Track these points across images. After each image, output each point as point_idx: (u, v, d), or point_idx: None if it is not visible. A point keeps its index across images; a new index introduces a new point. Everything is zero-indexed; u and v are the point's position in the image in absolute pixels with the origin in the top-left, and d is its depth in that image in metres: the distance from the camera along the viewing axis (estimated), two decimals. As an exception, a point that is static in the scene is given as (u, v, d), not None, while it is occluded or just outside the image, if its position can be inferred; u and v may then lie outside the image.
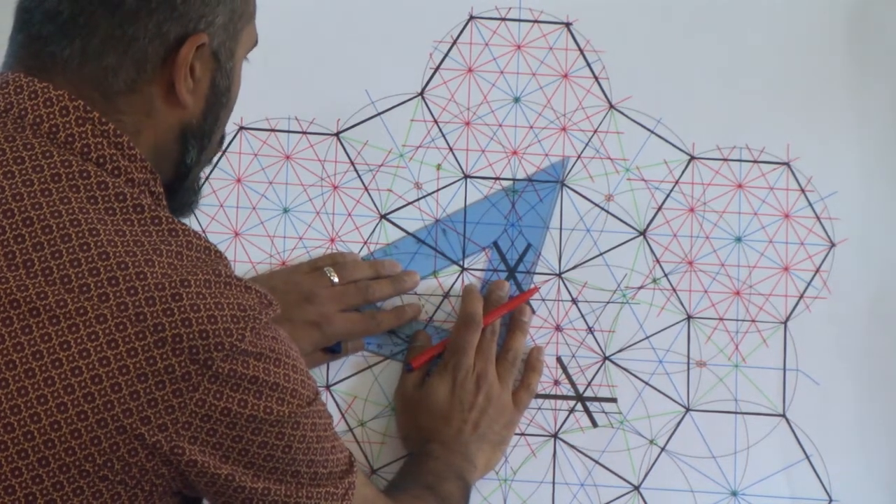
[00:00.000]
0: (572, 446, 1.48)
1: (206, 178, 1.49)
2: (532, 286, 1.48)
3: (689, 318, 1.50)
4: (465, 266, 1.50)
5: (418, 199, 1.51)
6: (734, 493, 1.48)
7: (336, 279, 1.43)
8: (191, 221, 1.48)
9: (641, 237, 1.51)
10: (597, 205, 1.52)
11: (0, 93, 1.11)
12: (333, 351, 1.44)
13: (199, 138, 1.18)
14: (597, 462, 1.48)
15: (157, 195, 1.13)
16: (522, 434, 1.48)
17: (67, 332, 1.02)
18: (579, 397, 1.49)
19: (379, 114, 1.52)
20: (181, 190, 1.20)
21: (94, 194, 1.07)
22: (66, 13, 1.09)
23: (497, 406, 1.43)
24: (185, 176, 1.19)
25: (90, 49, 1.09)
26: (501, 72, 1.53)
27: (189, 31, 1.11)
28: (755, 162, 1.52)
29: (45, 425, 1.02)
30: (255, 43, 1.23)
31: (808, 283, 1.51)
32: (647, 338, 1.50)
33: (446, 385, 1.42)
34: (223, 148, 1.33)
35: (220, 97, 1.18)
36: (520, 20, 1.54)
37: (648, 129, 1.52)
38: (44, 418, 1.02)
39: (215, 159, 1.49)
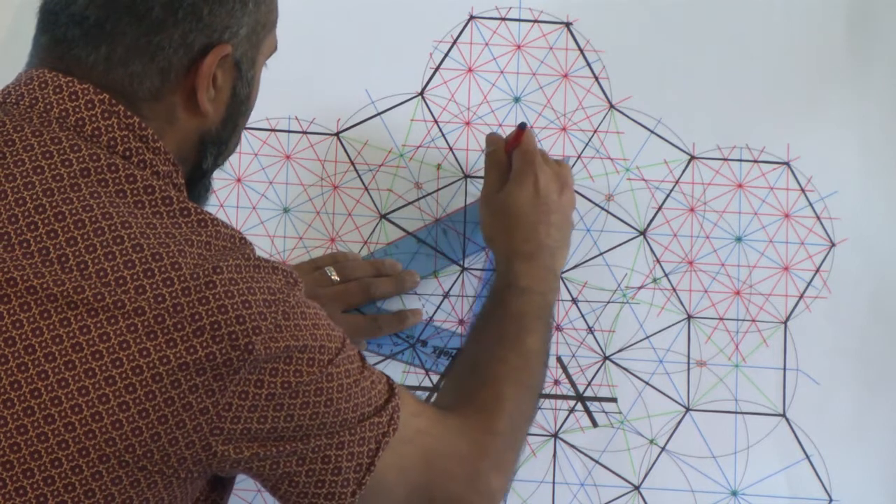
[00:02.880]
0: (572, 446, 1.48)
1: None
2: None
3: (689, 317, 1.50)
4: (465, 266, 1.50)
5: (418, 199, 1.51)
6: (734, 493, 1.48)
7: (337, 278, 1.44)
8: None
9: (642, 237, 1.51)
10: (597, 204, 1.52)
11: (25, 88, 1.11)
12: None
13: (217, 145, 1.18)
14: (597, 462, 1.48)
15: (180, 187, 1.14)
16: (522, 434, 1.48)
17: (106, 324, 1.03)
18: (579, 397, 1.49)
19: (379, 114, 1.52)
20: (193, 189, 1.20)
21: (123, 188, 1.08)
22: (92, 18, 1.09)
23: (571, 206, 1.43)
24: (200, 179, 1.20)
25: (115, 56, 1.10)
26: (501, 72, 1.53)
27: (213, 42, 1.12)
28: (755, 162, 1.52)
29: (85, 416, 1.03)
30: (275, 49, 1.23)
31: (809, 283, 1.51)
32: (648, 338, 1.50)
33: (529, 190, 1.40)
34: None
35: (239, 105, 1.19)
36: (520, 20, 1.54)
37: (648, 129, 1.52)
38: (85, 409, 1.03)
39: (216, 159, 1.50)
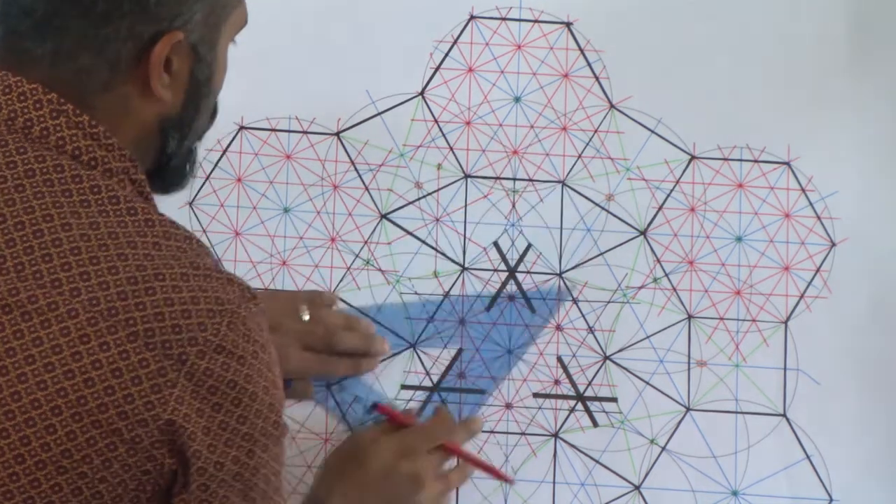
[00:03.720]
0: (573, 446, 1.48)
1: (207, 178, 1.49)
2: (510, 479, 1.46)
3: (689, 317, 1.50)
4: (466, 266, 1.50)
5: (419, 199, 1.51)
6: (734, 493, 1.47)
7: (307, 318, 1.42)
8: (191, 221, 1.49)
9: (642, 237, 1.51)
10: (597, 204, 1.52)
11: None
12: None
13: (180, 128, 1.16)
14: (597, 462, 1.47)
15: (139, 182, 1.12)
16: (523, 434, 1.48)
17: (40, 328, 1.02)
18: (580, 397, 1.49)
19: (379, 113, 1.52)
20: (168, 172, 1.19)
21: (69, 188, 1.07)
22: (40, 11, 1.08)
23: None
24: (167, 163, 1.18)
25: (63, 50, 1.09)
26: (502, 71, 1.53)
27: (163, 30, 1.10)
28: (756, 161, 1.52)
29: (19, 422, 1.02)
30: (244, 24, 1.20)
31: (809, 283, 1.51)
32: (648, 337, 1.50)
33: (390, 459, 1.37)
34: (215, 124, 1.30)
35: (200, 88, 1.16)
36: (520, 20, 1.54)
37: (649, 129, 1.52)
38: (18, 414, 1.02)
39: (215, 159, 1.50)
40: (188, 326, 1.03)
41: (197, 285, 1.05)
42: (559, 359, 1.49)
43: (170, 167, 1.18)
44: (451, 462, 1.42)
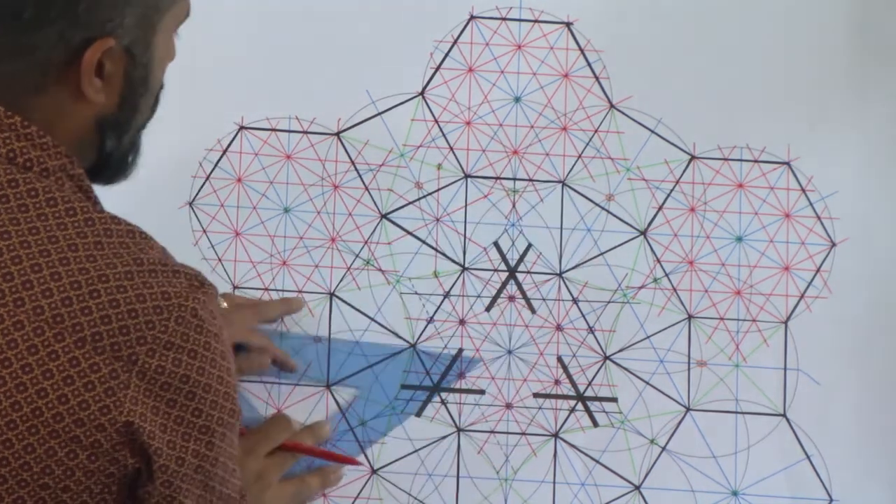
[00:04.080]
0: (573, 446, 1.48)
1: (207, 178, 1.49)
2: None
3: (689, 317, 1.50)
4: (466, 266, 1.50)
5: (419, 199, 1.51)
6: (735, 493, 1.47)
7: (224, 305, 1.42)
8: (191, 221, 1.49)
9: (642, 237, 1.51)
10: (597, 204, 1.52)
11: None
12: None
13: (117, 127, 1.15)
14: (597, 462, 1.47)
15: (77, 177, 1.11)
16: (523, 433, 1.48)
17: None
18: (580, 397, 1.49)
19: (379, 113, 1.52)
20: (110, 166, 1.17)
21: (5, 193, 1.06)
22: None
23: None
24: (108, 158, 1.16)
25: None
26: (502, 71, 1.53)
27: (94, 36, 1.08)
28: (756, 162, 1.52)
29: None
30: (186, 16, 1.18)
31: (809, 283, 1.51)
32: (648, 337, 1.50)
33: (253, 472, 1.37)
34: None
35: (136, 88, 1.14)
36: (520, 20, 1.54)
37: (649, 129, 1.52)
38: None
39: (215, 159, 1.50)
40: (136, 326, 1.03)
41: (142, 282, 1.04)
42: (559, 359, 1.49)
43: (112, 161, 1.17)
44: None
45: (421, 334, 1.49)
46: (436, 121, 1.52)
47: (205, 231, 1.49)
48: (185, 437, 1.06)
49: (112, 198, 1.50)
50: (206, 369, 1.06)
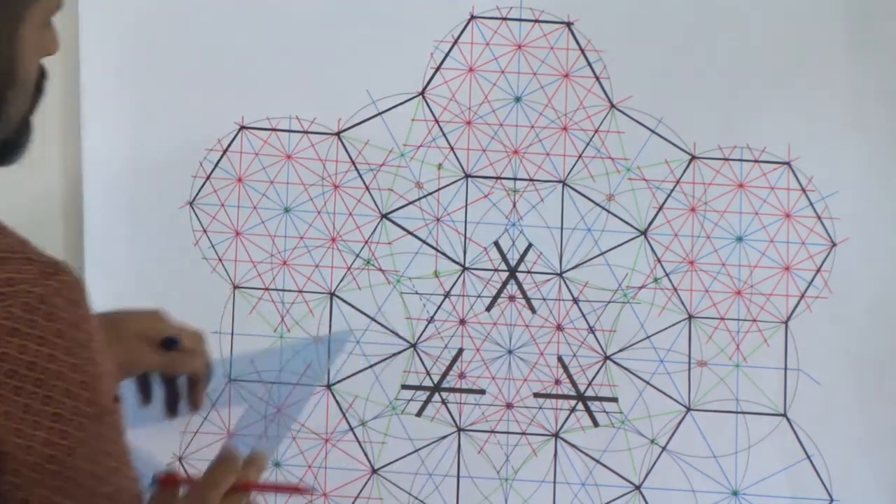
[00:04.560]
0: (573, 446, 1.48)
1: (208, 178, 1.49)
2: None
3: (689, 317, 1.50)
4: (466, 266, 1.50)
5: (419, 199, 1.51)
6: (735, 493, 1.47)
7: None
8: (192, 220, 1.49)
9: (642, 237, 1.51)
10: (598, 204, 1.52)
11: None
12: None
13: None
14: (598, 462, 1.47)
15: None
16: (524, 433, 1.48)
17: None
18: (580, 397, 1.49)
19: (380, 113, 1.52)
20: None
21: None
22: None
23: None
24: None
25: None
26: (502, 71, 1.53)
27: None
28: (756, 161, 1.52)
29: None
30: (58, 7, 1.15)
31: (810, 283, 1.51)
32: (648, 337, 1.50)
33: None
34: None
35: (1, 78, 1.11)
36: (521, 20, 1.54)
37: (649, 129, 1.52)
38: None
39: (216, 158, 1.50)
40: None
41: None
42: (560, 359, 1.49)
43: None
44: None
45: (421, 334, 1.49)
46: (436, 121, 1.52)
47: (205, 231, 1.49)
48: (34, 426, 1.03)
49: (112, 198, 1.51)
50: (58, 356, 1.04)
